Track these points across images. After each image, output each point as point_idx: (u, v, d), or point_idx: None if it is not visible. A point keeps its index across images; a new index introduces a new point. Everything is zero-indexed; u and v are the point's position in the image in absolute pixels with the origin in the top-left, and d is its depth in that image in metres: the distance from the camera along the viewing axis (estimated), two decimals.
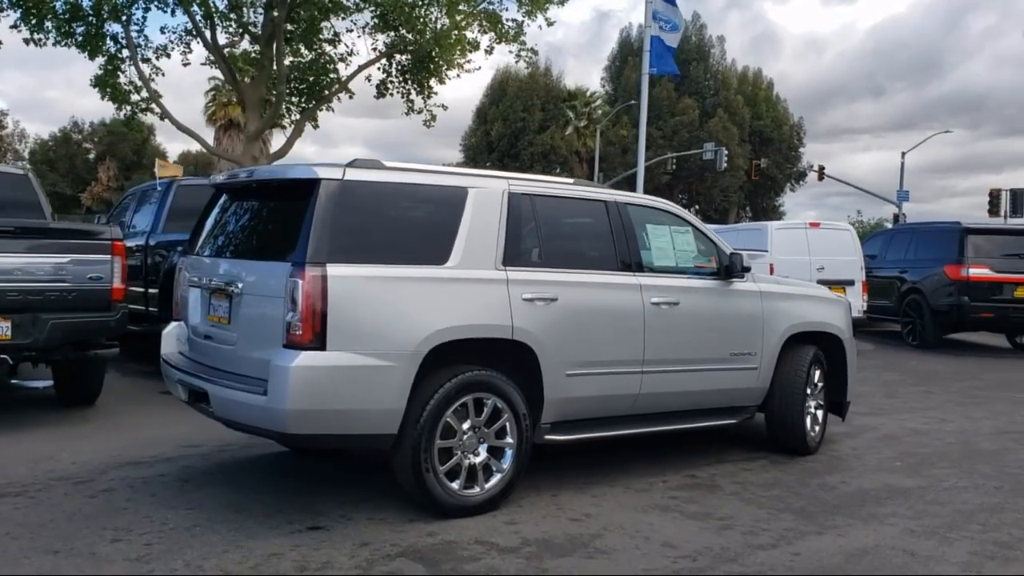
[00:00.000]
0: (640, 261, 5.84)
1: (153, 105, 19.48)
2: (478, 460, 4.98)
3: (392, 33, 19.61)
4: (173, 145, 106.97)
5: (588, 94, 55.59)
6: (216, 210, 5.70)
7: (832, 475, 6.15)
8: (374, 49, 20.14)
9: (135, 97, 19.61)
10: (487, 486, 5.00)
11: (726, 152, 41.73)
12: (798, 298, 6.81)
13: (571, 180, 5.96)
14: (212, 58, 19.85)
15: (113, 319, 7.00)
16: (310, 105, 20.51)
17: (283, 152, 19.98)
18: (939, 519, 5.16)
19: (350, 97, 20.86)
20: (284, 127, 20.28)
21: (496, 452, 5.06)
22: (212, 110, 46.11)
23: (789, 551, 4.55)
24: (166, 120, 19.22)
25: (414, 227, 4.98)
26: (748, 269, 6.27)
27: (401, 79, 20.76)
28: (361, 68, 20.41)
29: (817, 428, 6.81)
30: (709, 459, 6.45)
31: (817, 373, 6.81)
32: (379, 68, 20.70)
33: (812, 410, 6.75)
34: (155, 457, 6.09)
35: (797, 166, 57.77)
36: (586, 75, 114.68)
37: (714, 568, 4.29)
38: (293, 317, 4.46)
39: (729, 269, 6.25)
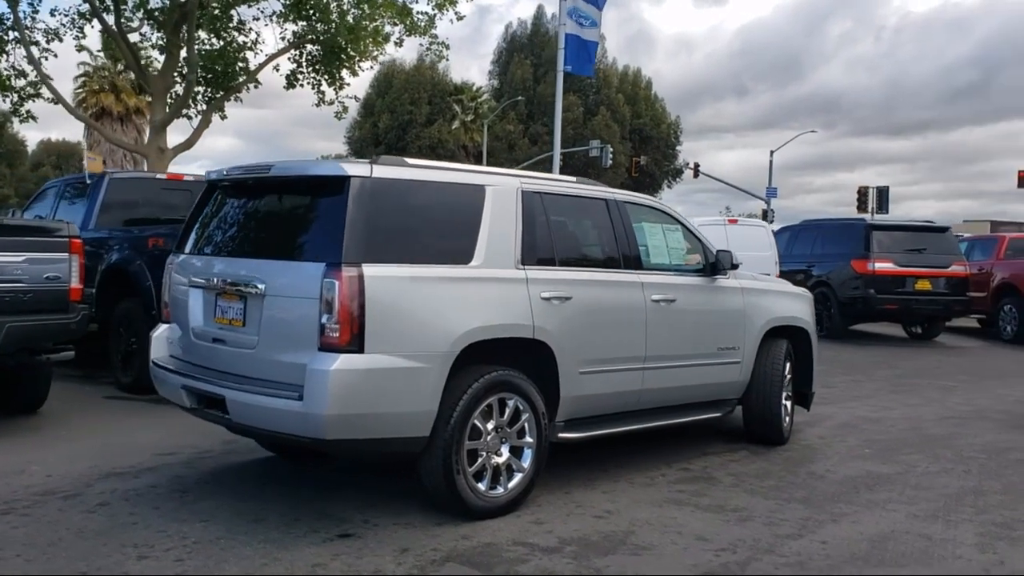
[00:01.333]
0: (639, 259, 5.91)
1: (43, 90, 18.30)
2: (501, 460, 4.95)
3: (304, 23, 19.09)
4: (31, 133, 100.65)
5: (475, 89, 55.60)
6: (210, 207, 5.43)
7: (814, 464, 6.39)
8: (282, 38, 19.59)
9: (19, 83, 18.39)
10: (510, 486, 4.97)
11: (611, 149, 42.73)
12: (772, 293, 7.04)
13: (574, 178, 5.97)
14: (111, 44, 18.81)
15: (73, 321, 6.56)
16: (218, 95, 19.71)
17: (190, 143, 19.11)
18: (933, 503, 5.44)
19: (256, 87, 20.22)
20: (189, 117, 19.42)
21: (516, 452, 5.03)
22: (83, 97, 43.68)
23: (816, 540, 4.71)
24: (59, 105, 18.07)
25: (439, 226, 4.88)
26: (736, 267, 6.45)
27: (311, 70, 20.24)
28: (272, 57, 19.77)
29: (788, 419, 7.07)
30: (695, 452, 6.59)
31: (787, 365, 7.06)
32: (289, 58, 20.15)
33: (783, 401, 6.99)
34: (135, 467, 5.76)
35: (674, 163, 59.42)
36: (466, 70, 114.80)
37: (758, 559, 4.39)
38: (329, 319, 4.31)
39: (715, 266, 6.41)
